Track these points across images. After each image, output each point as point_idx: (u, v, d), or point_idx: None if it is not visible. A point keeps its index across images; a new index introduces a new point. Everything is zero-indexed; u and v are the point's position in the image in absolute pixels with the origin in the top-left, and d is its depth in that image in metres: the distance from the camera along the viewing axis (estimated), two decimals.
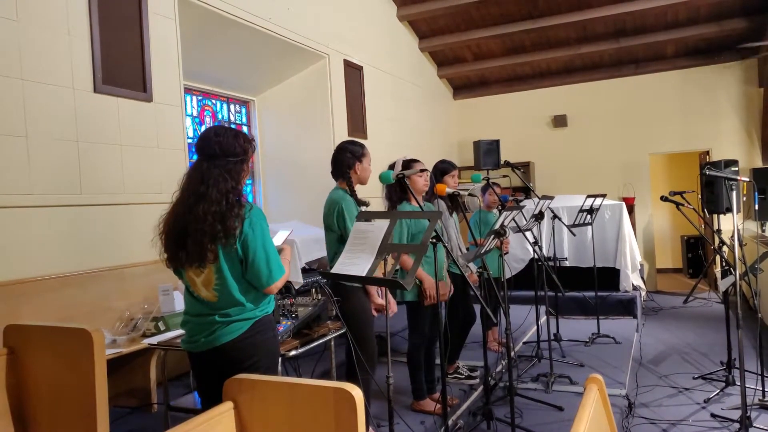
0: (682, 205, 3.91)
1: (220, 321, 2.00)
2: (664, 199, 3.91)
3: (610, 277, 5.94)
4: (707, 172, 3.52)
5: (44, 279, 3.27)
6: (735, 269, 3.27)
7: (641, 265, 6.40)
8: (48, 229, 3.32)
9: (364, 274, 1.96)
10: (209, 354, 2.02)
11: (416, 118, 7.99)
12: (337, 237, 2.92)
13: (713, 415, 3.35)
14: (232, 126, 5.44)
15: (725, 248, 3.89)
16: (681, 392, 3.77)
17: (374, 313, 2.97)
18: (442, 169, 3.90)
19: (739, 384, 3.05)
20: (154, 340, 2.92)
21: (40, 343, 2.06)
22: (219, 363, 1.99)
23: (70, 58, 3.47)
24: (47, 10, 3.36)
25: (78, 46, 3.52)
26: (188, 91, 5.36)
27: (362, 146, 3.06)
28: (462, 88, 9.38)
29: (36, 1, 3.30)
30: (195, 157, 2.07)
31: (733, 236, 3.23)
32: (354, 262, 2.00)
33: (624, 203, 6.26)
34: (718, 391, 3.65)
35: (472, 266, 3.88)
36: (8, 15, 3.16)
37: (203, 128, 5.57)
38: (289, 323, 2.65)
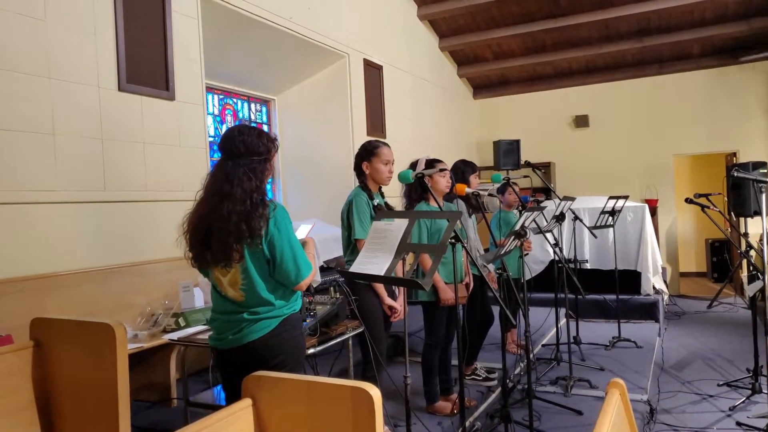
0: (708, 207, 3.83)
1: (248, 318, 2.00)
2: (688, 201, 3.84)
3: (631, 280, 5.85)
4: (735, 174, 3.45)
5: (68, 274, 3.33)
6: (763, 274, 3.19)
7: (663, 268, 6.29)
8: (72, 225, 3.38)
9: (382, 274, 1.96)
10: (236, 351, 2.03)
11: (436, 117, 7.97)
12: (348, 234, 2.94)
13: (738, 424, 3.28)
14: (253, 125, 5.47)
15: (752, 252, 3.80)
16: (705, 399, 3.69)
17: (387, 312, 2.96)
18: (462, 170, 3.88)
19: (766, 392, 2.98)
20: (175, 335, 2.95)
21: (65, 337, 2.09)
22: (246, 361, 1.98)
23: (95, 57, 3.53)
24: (74, 9, 3.42)
25: (103, 45, 3.57)
26: (210, 89, 5.41)
27: (376, 145, 3.02)
28: (482, 87, 9.32)
29: (63, 1, 3.36)
30: (218, 155, 2.08)
31: (761, 240, 3.16)
32: (372, 261, 2.00)
33: (647, 205, 6.16)
34: (743, 398, 3.57)
35: (491, 266, 3.85)
36: (36, 15, 3.22)
37: (224, 127, 5.64)
38: (308, 321, 2.66)
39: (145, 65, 3.83)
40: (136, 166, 3.77)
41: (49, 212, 3.26)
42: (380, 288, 2.92)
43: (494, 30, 7.69)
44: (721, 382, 3.94)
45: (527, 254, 4.09)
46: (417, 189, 3.31)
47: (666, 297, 6.35)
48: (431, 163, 3.34)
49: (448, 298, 3.22)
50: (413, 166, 3.22)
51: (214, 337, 2.11)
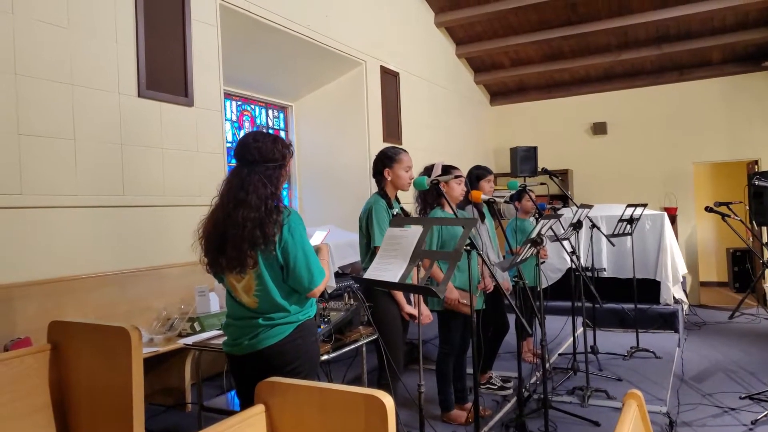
0: (729, 216, 3.76)
1: (263, 324, 2.00)
2: (708, 209, 3.78)
3: (650, 289, 5.75)
4: (757, 183, 3.39)
5: (87, 277, 3.37)
6: None
7: (683, 277, 6.19)
8: (91, 228, 3.43)
9: (396, 280, 1.95)
10: (251, 357, 2.03)
11: (452, 124, 7.95)
12: (366, 241, 2.93)
13: None
14: (270, 131, 5.52)
15: None
16: (726, 412, 3.61)
17: (407, 318, 2.95)
18: (477, 175, 3.85)
19: None
20: (190, 340, 2.97)
21: (82, 340, 2.11)
22: (260, 367, 1.98)
23: (116, 63, 3.58)
24: (96, 18, 3.48)
25: (124, 52, 3.63)
26: (228, 96, 5.46)
27: (396, 152, 3.02)
28: (499, 94, 9.29)
29: (86, 10, 3.42)
30: (233, 161, 2.10)
31: None
32: (387, 268, 1.99)
33: (666, 213, 6.07)
34: (766, 412, 3.48)
35: (506, 275, 3.81)
36: (59, 23, 3.28)
37: (242, 133, 5.68)
38: (322, 327, 2.65)
39: (165, 72, 3.88)
40: (154, 171, 3.82)
41: (69, 216, 3.31)
42: (399, 295, 2.91)
43: (512, 37, 7.67)
44: (743, 395, 3.84)
45: (543, 262, 4.05)
46: (432, 195, 3.30)
47: (686, 307, 6.24)
48: (447, 170, 3.32)
49: (452, 297, 3.19)
50: (428, 171, 3.21)
51: (228, 343, 2.11)
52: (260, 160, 2.00)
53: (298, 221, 2.01)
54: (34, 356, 2.11)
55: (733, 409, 3.64)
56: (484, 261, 2.52)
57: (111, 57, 3.56)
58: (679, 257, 5.91)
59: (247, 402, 2.11)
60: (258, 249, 1.94)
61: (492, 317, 3.84)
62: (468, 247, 2.23)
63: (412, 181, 2.97)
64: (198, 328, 3.47)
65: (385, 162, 3.01)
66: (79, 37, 3.38)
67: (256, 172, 1.98)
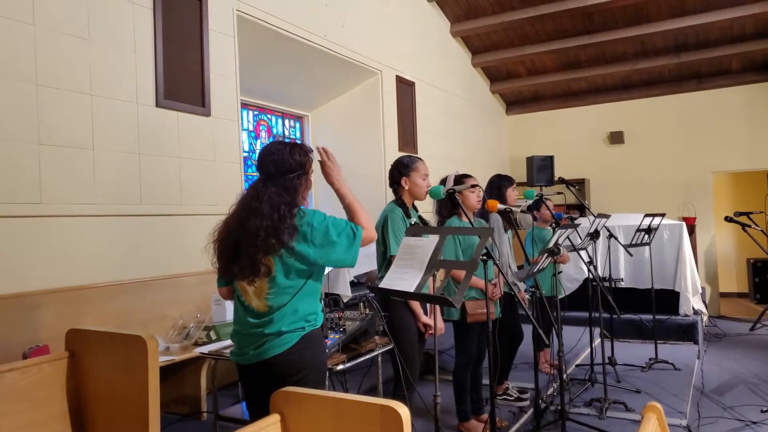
0: (749, 226, 3.70)
1: (269, 334, 2.00)
2: (728, 219, 3.73)
3: (668, 299, 5.66)
4: None
5: (105, 285, 3.40)
6: None
7: (702, 288, 6.09)
8: (109, 237, 3.47)
9: (412, 290, 1.94)
10: (258, 367, 2.02)
11: (468, 133, 7.94)
12: (383, 250, 2.92)
13: None
14: (288, 141, 5.52)
15: None
16: (748, 426, 3.53)
17: (422, 329, 2.93)
18: (502, 184, 3.85)
19: None
20: (206, 349, 2.98)
21: (99, 348, 2.12)
22: (267, 376, 1.98)
23: (134, 74, 3.64)
24: (116, 29, 3.54)
25: (143, 62, 3.68)
26: (244, 106, 5.51)
27: (412, 161, 3.03)
28: (515, 103, 9.27)
29: (106, 21, 3.48)
30: (251, 170, 2.11)
31: None
32: (402, 278, 1.98)
33: (684, 223, 5.98)
34: None
35: (522, 285, 3.78)
36: (81, 34, 3.34)
37: (259, 143, 5.72)
38: (336, 337, 2.64)
39: (182, 82, 3.93)
40: (171, 180, 3.86)
41: (87, 225, 3.35)
42: (416, 305, 2.89)
43: (528, 46, 7.66)
44: (765, 408, 3.76)
45: (560, 272, 4.01)
46: (447, 205, 3.29)
47: (705, 318, 6.13)
48: (460, 179, 3.32)
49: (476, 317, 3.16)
50: (443, 182, 3.21)
51: (235, 352, 2.11)
52: (277, 173, 2.00)
53: (313, 214, 2.00)
54: (51, 364, 2.13)
55: (754, 423, 3.56)
56: (500, 270, 2.50)
57: (130, 67, 3.61)
58: (693, 269, 5.81)
59: (256, 410, 2.10)
60: (274, 255, 1.94)
61: (507, 327, 3.80)
62: (484, 257, 2.21)
63: (429, 189, 2.97)
64: (214, 337, 3.48)
65: (401, 171, 3.01)
66: (99, 48, 3.44)
67: (274, 184, 1.99)
